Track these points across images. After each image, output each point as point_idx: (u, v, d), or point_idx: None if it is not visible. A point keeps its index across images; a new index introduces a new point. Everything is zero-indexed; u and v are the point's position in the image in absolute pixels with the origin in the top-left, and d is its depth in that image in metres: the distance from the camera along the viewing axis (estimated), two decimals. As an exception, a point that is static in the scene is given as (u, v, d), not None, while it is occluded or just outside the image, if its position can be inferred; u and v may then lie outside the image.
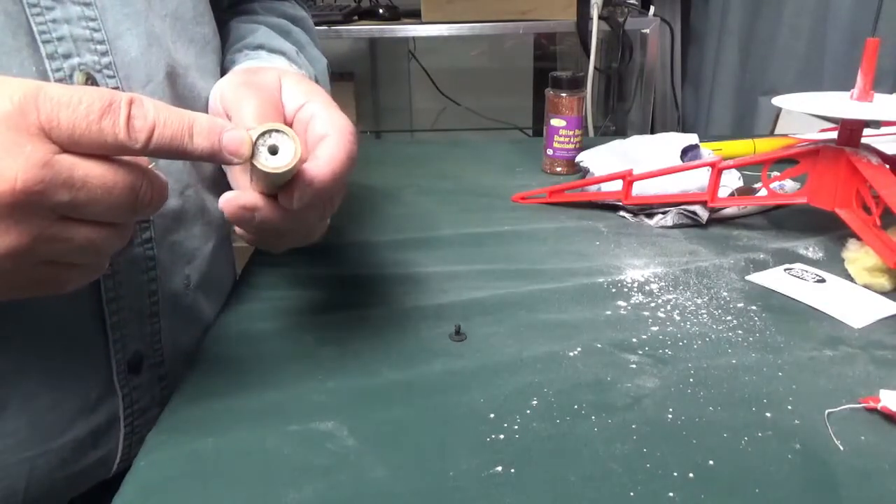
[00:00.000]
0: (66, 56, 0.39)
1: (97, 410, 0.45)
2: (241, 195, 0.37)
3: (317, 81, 0.53)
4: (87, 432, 0.45)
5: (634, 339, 0.46)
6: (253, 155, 0.33)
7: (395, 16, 1.67)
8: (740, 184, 0.69)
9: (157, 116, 0.31)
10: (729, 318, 0.49)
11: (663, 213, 0.66)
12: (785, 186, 0.68)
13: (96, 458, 0.46)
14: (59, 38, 0.39)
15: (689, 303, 0.51)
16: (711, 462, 0.35)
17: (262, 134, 0.34)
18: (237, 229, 0.40)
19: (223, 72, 0.52)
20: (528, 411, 0.39)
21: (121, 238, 0.33)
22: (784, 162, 0.61)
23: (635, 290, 0.53)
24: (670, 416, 0.38)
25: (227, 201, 0.37)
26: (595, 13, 1.54)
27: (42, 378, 0.42)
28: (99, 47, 0.41)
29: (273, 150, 0.34)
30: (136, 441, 0.48)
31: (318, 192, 0.37)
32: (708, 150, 0.73)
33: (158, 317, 0.47)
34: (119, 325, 0.45)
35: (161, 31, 0.45)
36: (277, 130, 0.34)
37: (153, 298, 0.47)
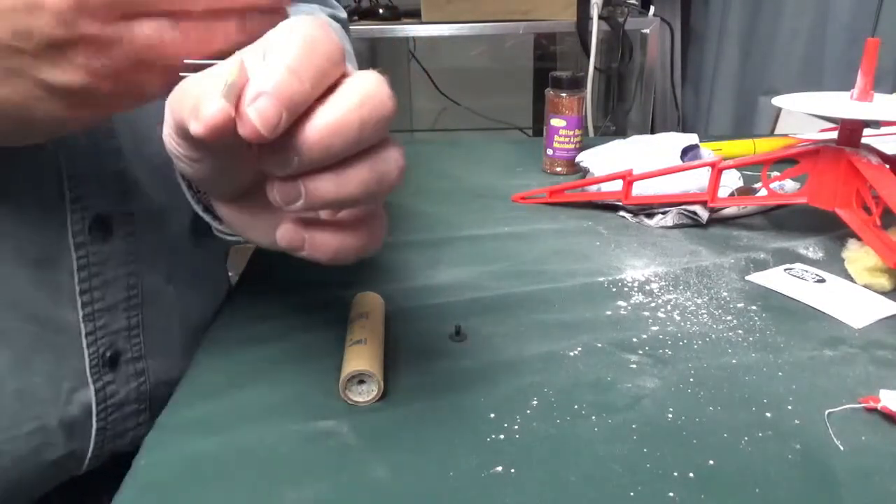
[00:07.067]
0: None
1: (70, 402, 0.44)
2: None
3: None
4: (57, 423, 0.44)
5: (634, 339, 0.46)
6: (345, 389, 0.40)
7: (395, 16, 1.67)
8: (740, 184, 0.69)
9: None
10: (729, 318, 0.49)
11: (663, 213, 0.66)
12: (785, 186, 0.68)
13: (68, 450, 0.45)
14: None
15: (690, 303, 0.51)
16: (711, 462, 0.35)
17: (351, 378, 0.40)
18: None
19: None
20: (528, 411, 0.39)
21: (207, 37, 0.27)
22: (784, 162, 0.61)
23: (635, 289, 0.53)
24: (670, 416, 0.38)
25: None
26: (595, 13, 1.54)
27: (10, 364, 0.41)
28: None
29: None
30: (108, 437, 0.47)
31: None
32: (708, 150, 0.73)
33: (138, 311, 0.47)
34: (93, 316, 0.44)
35: None
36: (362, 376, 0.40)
37: (132, 292, 0.46)
